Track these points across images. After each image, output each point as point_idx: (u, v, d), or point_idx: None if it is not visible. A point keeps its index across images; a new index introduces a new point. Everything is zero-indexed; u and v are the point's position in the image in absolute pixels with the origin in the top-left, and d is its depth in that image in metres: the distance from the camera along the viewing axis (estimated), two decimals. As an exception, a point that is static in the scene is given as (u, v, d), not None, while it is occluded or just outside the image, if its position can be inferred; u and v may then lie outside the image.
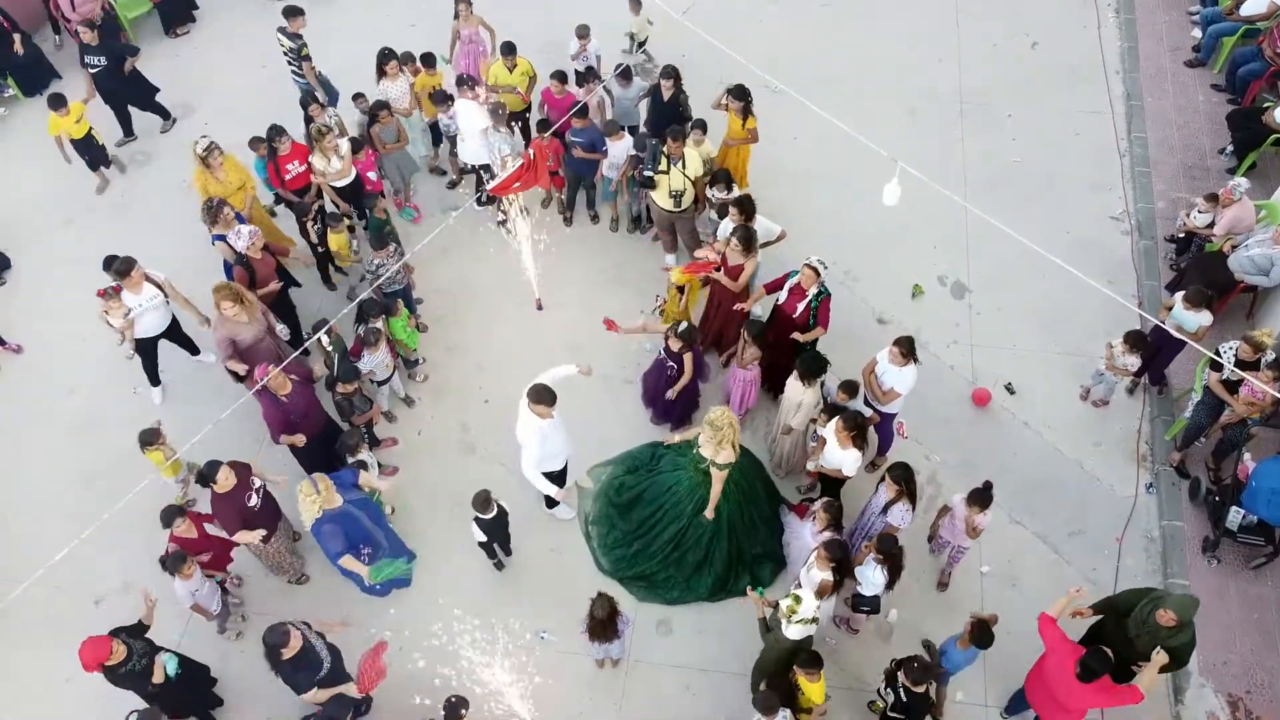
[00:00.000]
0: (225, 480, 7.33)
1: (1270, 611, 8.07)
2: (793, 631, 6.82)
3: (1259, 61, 10.89)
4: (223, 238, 8.70)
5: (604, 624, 7.17)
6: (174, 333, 9.02)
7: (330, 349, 8.28)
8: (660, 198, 9.47)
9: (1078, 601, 7.03)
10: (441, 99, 9.91)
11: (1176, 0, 12.46)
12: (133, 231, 10.34)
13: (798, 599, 6.75)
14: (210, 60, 12.25)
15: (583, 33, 10.46)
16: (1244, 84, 10.98)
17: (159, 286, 8.56)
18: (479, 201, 10.32)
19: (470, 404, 9.34)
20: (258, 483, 7.68)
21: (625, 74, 10.08)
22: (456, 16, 10.55)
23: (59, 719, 7.81)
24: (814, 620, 6.82)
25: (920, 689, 6.73)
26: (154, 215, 10.68)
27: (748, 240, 8.46)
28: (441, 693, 6.85)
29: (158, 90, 11.35)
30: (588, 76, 10.10)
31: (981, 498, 7.32)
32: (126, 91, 11.05)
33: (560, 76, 9.82)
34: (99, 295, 8.33)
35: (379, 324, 8.40)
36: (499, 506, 7.75)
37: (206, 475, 7.30)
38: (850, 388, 7.92)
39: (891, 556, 7.13)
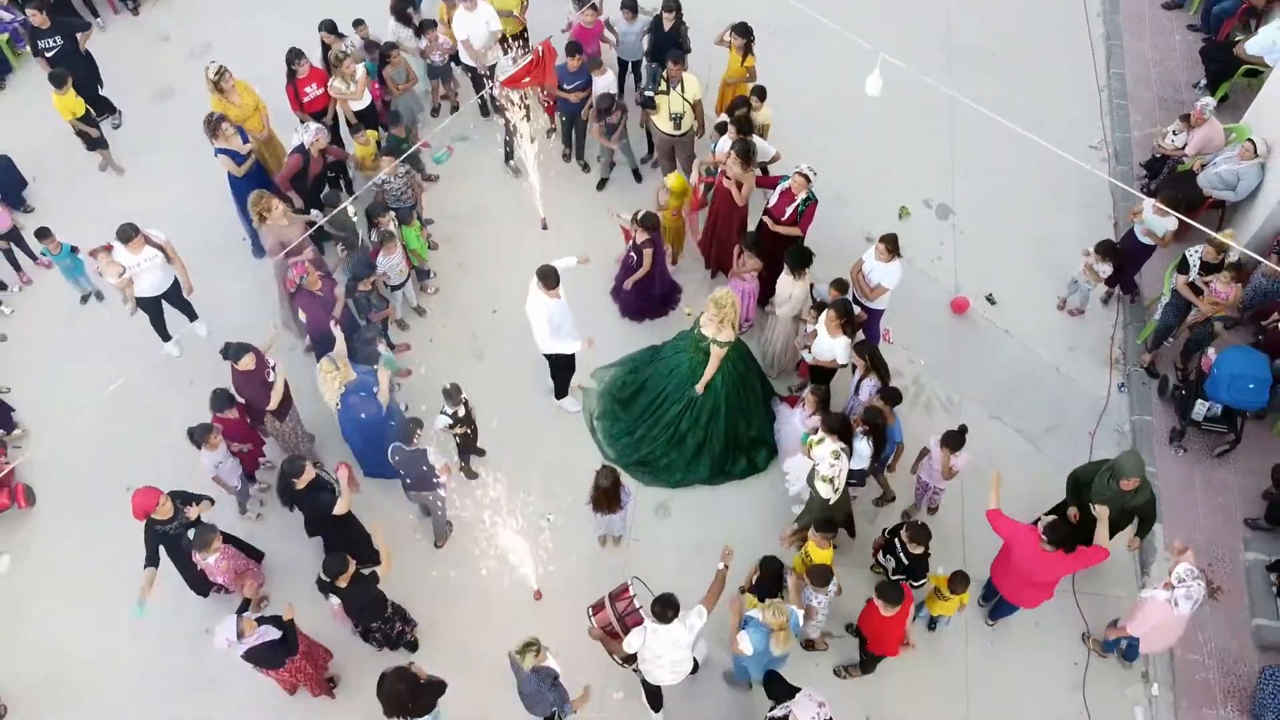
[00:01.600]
0: (248, 360, 7.87)
1: (1232, 495, 8.59)
2: (821, 488, 7.34)
3: (1231, 0, 11.39)
4: (224, 151, 9.16)
5: (607, 493, 7.66)
6: (174, 295, 9.20)
7: (354, 219, 8.83)
8: (660, 120, 9.94)
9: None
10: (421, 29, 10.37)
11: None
12: (137, 190, 10.75)
13: (819, 440, 7.32)
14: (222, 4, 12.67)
15: None
16: (1218, 22, 11.47)
17: (160, 248, 8.80)
18: (483, 108, 10.81)
19: (479, 315, 9.83)
20: (272, 361, 8.22)
21: (631, 6, 10.53)
22: None
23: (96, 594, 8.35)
24: (832, 482, 7.29)
25: (919, 549, 7.22)
26: (162, 170, 10.98)
27: (746, 153, 8.92)
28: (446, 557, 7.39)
29: (101, 84, 11.08)
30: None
31: (955, 440, 7.66)
32: (87, 70, 10.71)
33: (590, 4, 10.23)
34: (91, 255, 8.71)
35: (391, 225, 8.89)
36: (465, 404, 8.19)
37: (231, 354, 7.82)
38: (840, 284, 8.42)
39: (876, 428, 7.63)
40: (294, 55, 9.65)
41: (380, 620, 7.61)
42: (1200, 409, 8.58)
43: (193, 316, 9.56)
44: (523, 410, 9.03)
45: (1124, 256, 9.08)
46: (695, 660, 7.14)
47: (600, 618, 7.00)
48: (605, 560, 8.43)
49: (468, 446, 8.58)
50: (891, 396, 7.80)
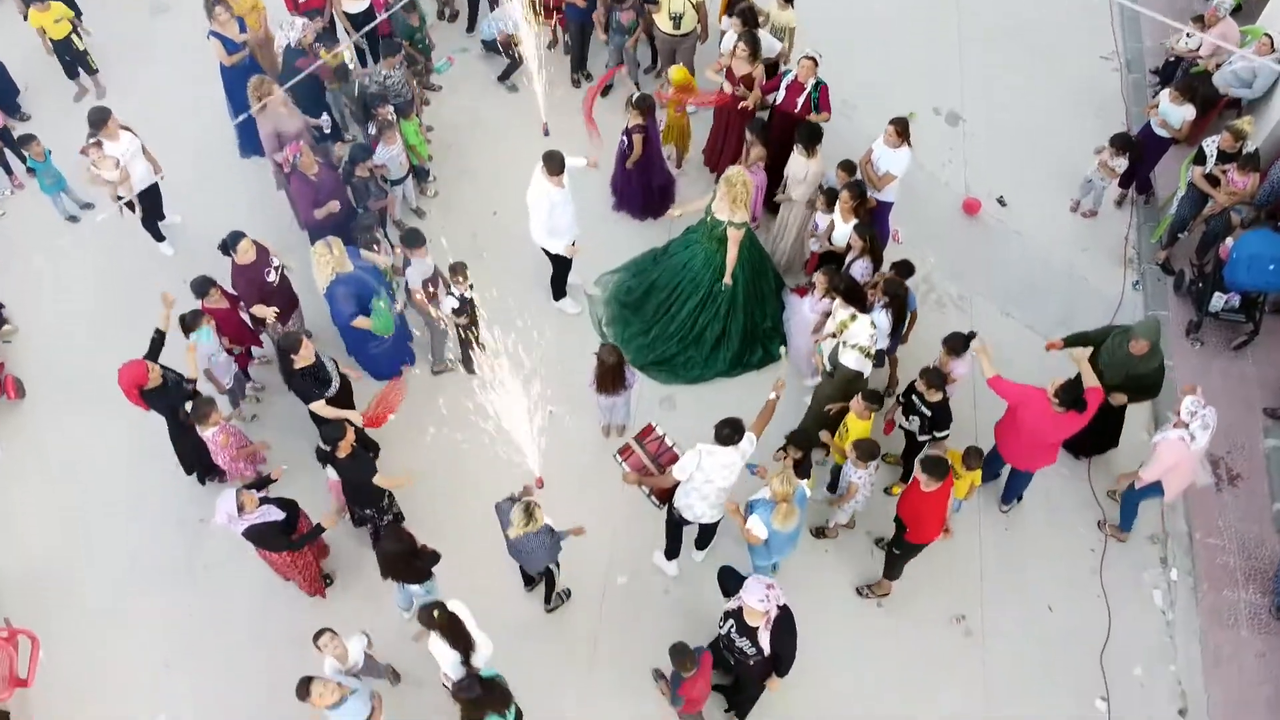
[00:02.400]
0: (246, 251, 7.64)
1: (1251, 386, 8.40)
2: (849, 358, 7.17)
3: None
4: (217, 35, 8.97)
5: (612, 371, 7.45)
6: (153, 199, 8.96)
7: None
8: (661, 20, 9.73)
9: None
10: None
11: None
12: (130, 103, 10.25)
13: (851, 317, 7.16)
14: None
15: None
16: (1231, -67, 11.27)
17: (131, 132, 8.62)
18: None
19: (479, 216, 9.61)
20: (277, 261, 8.00)
21: None
22: None
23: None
24: (869, 355, 7.16)
25: (937, 395, 7.04)
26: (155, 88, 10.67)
27: (753, 44, 8.73)
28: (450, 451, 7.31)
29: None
30: None
31: (958, 344, 7.31)
32: None
33: None
34: (82, 153, 8.42)
35: (390, 115, 8.69)
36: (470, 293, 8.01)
37: (228, 243, 7.61)
38: (847, 165, 8.23)
39: (896, 298, 7.42)
40: (291, -48, 9.47)
41: (376, 508, 7.42)
42: (1218, 301, 8.38)
43: (161, 217, 9.34)
44: (522, 310, 8.77)
45: (1139, 150, 8.87)
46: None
47: (632, 461, 7.08)
48: (609, 449, 8.20)
49: (469, 337, 8.36)
50: (905, 269, 7.60)
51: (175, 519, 7.92)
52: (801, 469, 7.00)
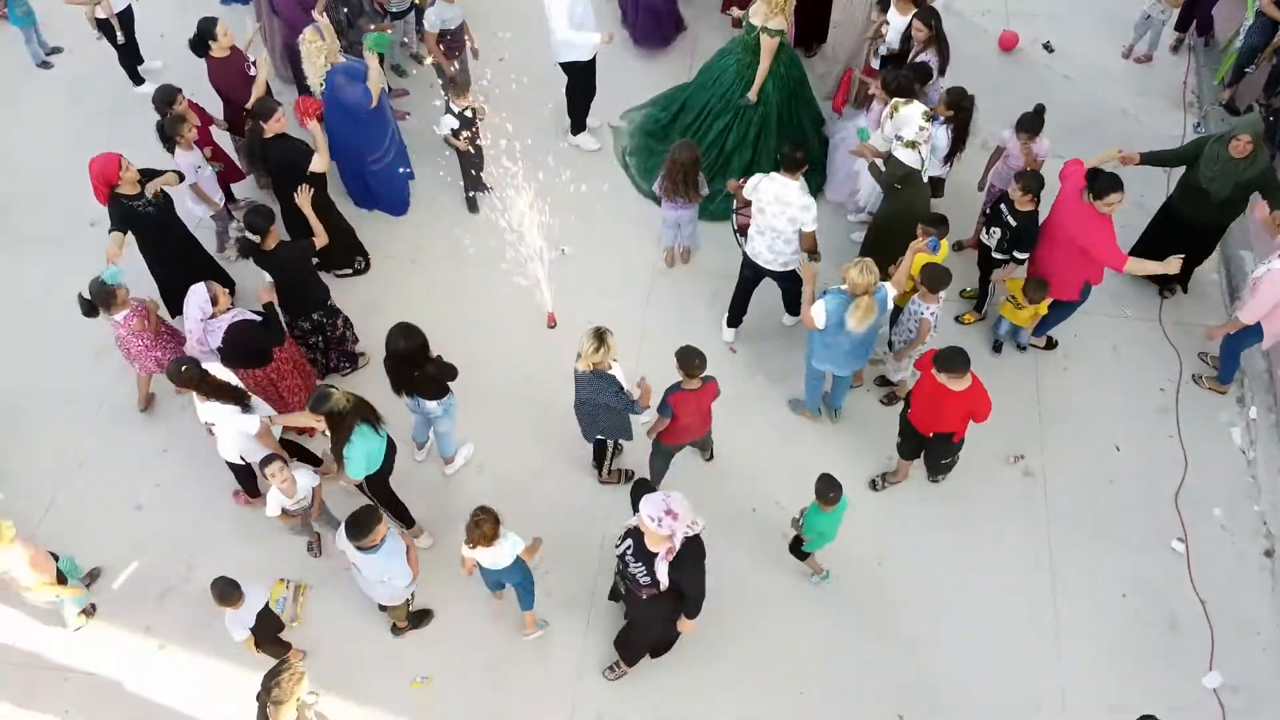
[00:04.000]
0: (225, 40, 6.94)
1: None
2: (902, 153, 6.44)
3: None
4: None
5: (684, 169, 6.71)
6: (128, 24, 8.29)
7: None
8: None
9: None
10: None
11: None
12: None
13: (898, 104, 6.44)
14: None
15: None
16: None
17: None
18: None
19: (485, 61, 8.84)
20: (252, 57, 7.29)
21: None
22: None
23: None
24: (918, 149, 6.42)
25: (1030, 203, 6.34)
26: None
27: None
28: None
29: None
30: None
31: (1031, 122, 6.76)
32: None
33: None
34: None
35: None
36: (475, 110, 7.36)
37: (203, 32, 6.89)
38: None
39: (961, 111, 6.69)
40: None
41: (321, 312, 6.59)
42: (1293, 132, 7.68)
43: (138, 60, 8.65)
44: (535, 150, 8.06)
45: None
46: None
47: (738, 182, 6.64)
48: (624, 291, 7.50)
49: (473, 167, 7.66)
50: (958, 91, 6.85)
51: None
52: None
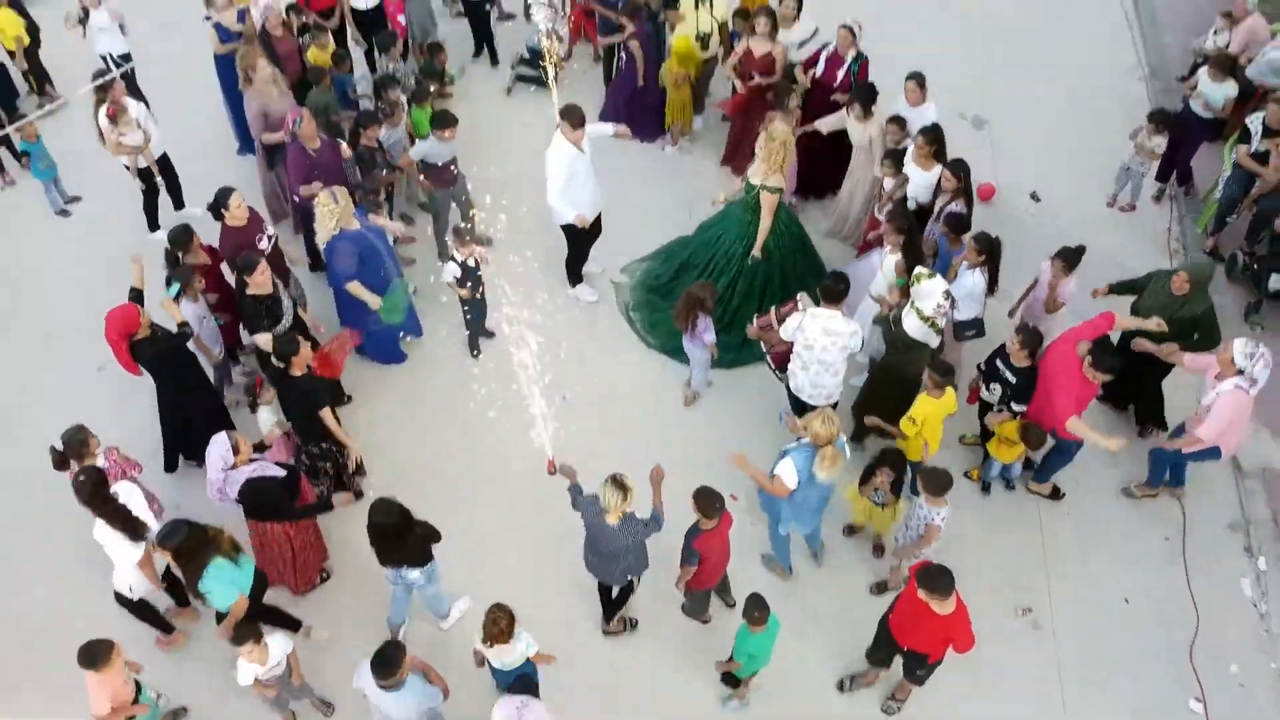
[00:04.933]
0: (238, 208, 7.11)
1: (1322, 367, 7.76)
2: (911, 324, 6.54)
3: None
4: (214, 23, 8.70)
5: (687, 303, 6.95)
6: (167, 169, 8.65)
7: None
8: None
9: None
10: None
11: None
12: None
13: (929, 274, 6.52)
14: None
15: None
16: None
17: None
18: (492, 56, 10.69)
19: (490, 208, 9.08)
20: (271, 230, 7.48)
21: None
22: None
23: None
24: (935, 326, 6.53)
25: (1027, 361, 6.38)
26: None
27: (772, 18, 8.45)
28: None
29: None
30: None
31: (1070, 255, 6.86)
32: None
33: None
34: (109, 116, 8.01)
35: (399, 96, 8.31)
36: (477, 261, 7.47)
37: (219, 201, 7.09)
38: (897, 119, 7.85)
39: (990, 253, 6.80)
40: (301, -53, 9.29)
41: (332, 442, 6.59)
42: (1277, 280, 7.86)
43: (180, 204, 8.90)
44: (536, 293, 8.23)
45: (1180, 128, 8.50)
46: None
47: (761, 320, 6.85)
48: (622, 435, 7.50)
49: (475, 312, 7.77)
50: (958, 222, 7.08)
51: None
52: (896, 489, 6.27)
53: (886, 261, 7.08)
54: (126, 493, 5.77)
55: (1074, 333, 6.49)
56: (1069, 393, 6.29)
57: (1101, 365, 6.11)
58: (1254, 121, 8.16)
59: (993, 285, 6.95)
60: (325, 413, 6.41)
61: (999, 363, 6.56)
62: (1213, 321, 6.68)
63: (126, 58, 8.89)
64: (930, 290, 6.48)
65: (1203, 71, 8.46)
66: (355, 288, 7.13)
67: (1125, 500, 7.17)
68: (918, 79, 7.84)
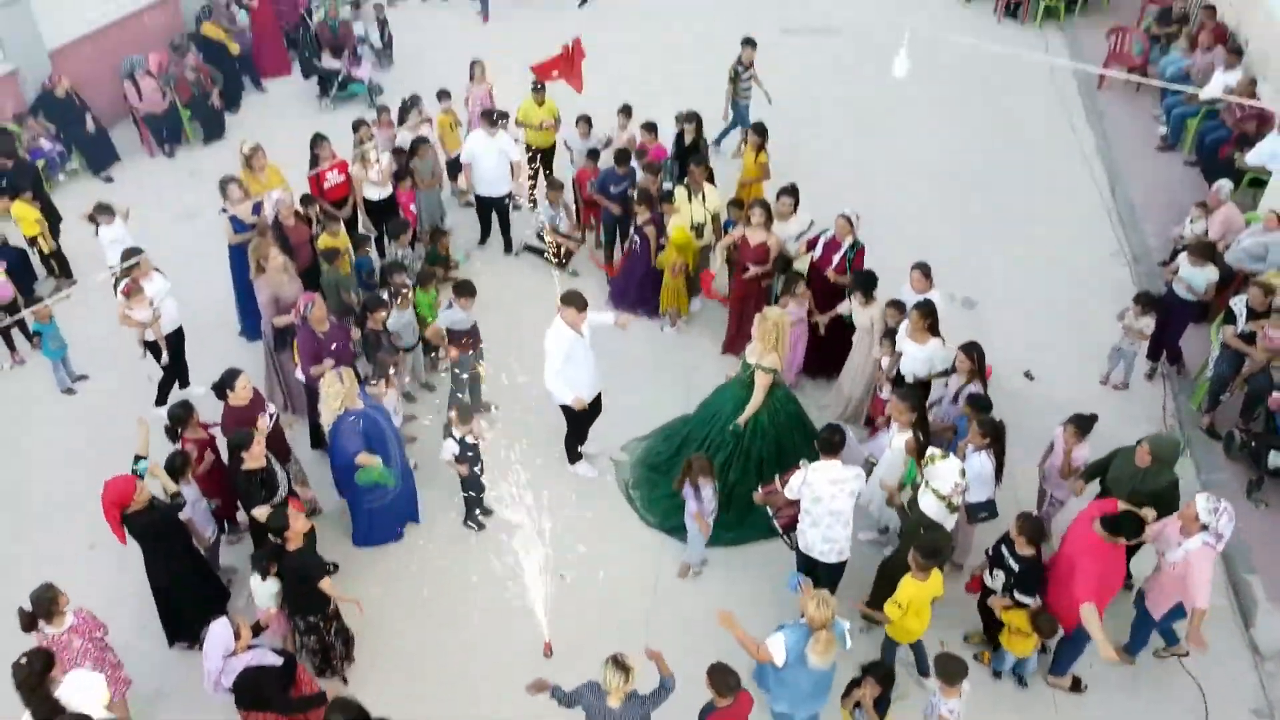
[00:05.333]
0: (243, 389, 7.27)
1: (1331, 545, 7.66)
2: (928, 503, 6.54)
3: (1224, 129, 11.86)
4: (229, 215, 9.12)
5: (688, 469, 7.09)
6: (178, 347, 8.89)
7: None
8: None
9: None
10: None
11: (1140, 107, 13.71)
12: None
13: (942, 455, 6.56)
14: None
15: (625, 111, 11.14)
16: (1213, 149, 11.84)
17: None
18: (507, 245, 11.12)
19: (493, 384, 9.21)
20: (273, 409, 7.61)
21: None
22: (471, 79, 11.49)
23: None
24: (951, 506, 6.52)
25: (1030, 549, 6.30)
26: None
27: (767, 210, 8.87)
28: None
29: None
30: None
31: (1082, 421, 7.01)
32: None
33: (650, 127, 10.59)
34: (125, 293, 8.27)
35: (405, 281, 8.62)
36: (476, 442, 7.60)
37: (225, 381, 7.24)
38: (896, 303, 8.08)
39: (996, 438, 6.82)
40: (317, 139, 9.86)
41: (321, 614, 6.51)
42: (1276, 457, 7.88)
43: (185, 383, 9.07)
44: (535, 469, 8.25)
45: (1165, 310, 8.74)
46: None
47: (767, 487, 7.01)
48: (621, 616, 7.34)
49: (473, 490, 7.76)
50: (981, 403, 7.13)
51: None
52: (880, 707, 5.98)
53: (896, 440, 7.12)
54: (80, 684, 5.44)
55: (1085, 514, 6.45)
56: (1093, 570, 6.18)
57: (1121, 529, 6.13)
58: (1238, 304, 8.42)
59: (999, 472, 6.93)
60: (325, 583, 6.35)
61: (1004, 549, 6.49)
62: (1175, 497, 6.64)
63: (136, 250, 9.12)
64: (946, 470, 6.53)
65: (1183, 257, 8.79)
66: (364, 458, 7.16)
67: (1145, 684, 6.90)
68: (922, 269, 8.17)
